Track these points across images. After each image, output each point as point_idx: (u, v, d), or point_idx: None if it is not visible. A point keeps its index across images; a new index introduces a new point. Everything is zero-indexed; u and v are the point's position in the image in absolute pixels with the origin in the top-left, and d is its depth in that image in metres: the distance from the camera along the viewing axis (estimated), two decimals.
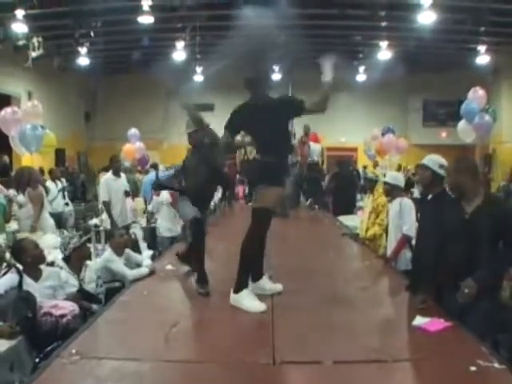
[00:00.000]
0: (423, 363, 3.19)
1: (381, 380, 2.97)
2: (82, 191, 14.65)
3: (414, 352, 3.43)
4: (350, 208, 10.12)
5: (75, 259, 5.20)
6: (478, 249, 3.69)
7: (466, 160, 4.05)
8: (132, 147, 13.19)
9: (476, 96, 11.57)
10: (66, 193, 11.86)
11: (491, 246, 3.64)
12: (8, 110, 11.08)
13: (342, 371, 3.06)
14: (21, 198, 7.83)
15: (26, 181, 7.99)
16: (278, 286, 4.53)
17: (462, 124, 11.85)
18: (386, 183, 6.12)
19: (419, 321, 3.72)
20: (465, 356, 3.17)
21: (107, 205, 8.05)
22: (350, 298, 3.96)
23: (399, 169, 15.50)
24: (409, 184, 9.44)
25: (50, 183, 11.24)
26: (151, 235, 9.03)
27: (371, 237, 6.72)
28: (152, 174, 11.59)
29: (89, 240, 6.47)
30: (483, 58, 15.64)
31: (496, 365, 3.01)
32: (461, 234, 3.86)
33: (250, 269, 4.30)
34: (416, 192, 10.00)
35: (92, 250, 7.44)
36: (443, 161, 4.49)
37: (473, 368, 2.98)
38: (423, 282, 4.13)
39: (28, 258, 4.71)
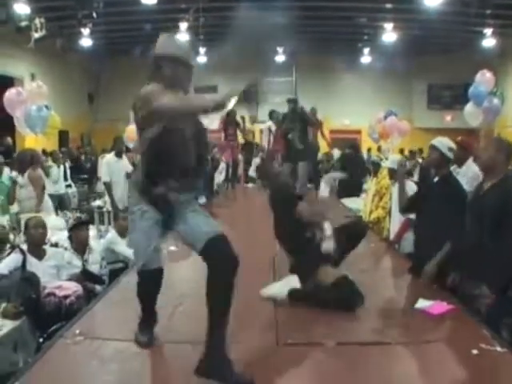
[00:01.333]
0: (426, 346, 3.20)
1: (383, 362, 2.97)
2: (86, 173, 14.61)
3: (417, 335, 3.43)
4: (357, 191, 10.07)
5: (74, 240, 5.20)
6: (486, 226, 3.71)
7: (506, 141, 4.07)
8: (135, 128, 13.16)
9: (484, 79, 11.47)
10: (68, 174, 11.87)
11: (499, 225, 3.64)
12: (13, 90, 11.02)
13: (345, 353, 3.07)
14: (21, 179, 7.82)
15: (28, 163, 7.97)
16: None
17: (469, 107, 11.75)
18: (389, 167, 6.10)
19: (422, 304, 3.72)
20: (467, 339, 3.17)
21: (108, 185, 8.06)
22: (354, 280, 3.95)
23: (401, 152, 15.45)
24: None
25: (51, 165, 11.23)
26: None
27: (375, 220, 6.70)
28: None
29: (91, 222, 6.47)
30: (489, 41, 15.49)
31: (498, 348, 3.02)
32: (472, 211, 3.93)
33: None
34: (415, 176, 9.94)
35: (96, 231, 7.47)
36: (452, 144, 4.49)
37: (475, 351, 2.99)
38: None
39: (27, 236, 4.76)
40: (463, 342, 3.18)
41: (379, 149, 15.57)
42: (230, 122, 10.84)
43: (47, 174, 9.52)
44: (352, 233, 4.12)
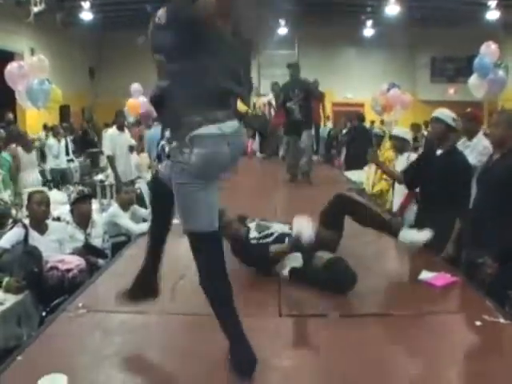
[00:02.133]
0: (429, 317, 3.20)
1: (386, 334, 2.98)
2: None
3: (420, 306, 3.43)
4: (362, 162, 10.02)
5: (76, 214, 5.19)
6: (494, 197, 3.72)
7: None
8: (136, 102, 13.05)
9: (489, 51, 11.34)
10: (70, 149, 11.84)
11: (507, 196, 3.64)
12: (14, 64, 10.94)
13: (348, 324, 3.07)
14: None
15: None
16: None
17: (473, 79, 11.63)
18: (394, 137, 6.06)
19: (425, 275, 3.71)
20: (470, 311, 3.18)
21: (111, 159, 8.06)
22: (356, 253, 3.95)
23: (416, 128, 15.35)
24: None
25: (52, 140, 11.20)
26: None
27: (378, 192, 6.70)
28: (155, 129, 11.46)
29: (93, 195, 6.46)
30: (493, 14, 15.31)
31: (502, 320, 3.02)
32: (481, 183, 3.95)
33: None
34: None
35: (98, 205, 7.46)
36: (454, 114, 4.44)
37: (478, 323, 2.98)
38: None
39: (29, 211, 4.76)
40: (466, 313, 3.19)
41: (382, 122, 15.47)
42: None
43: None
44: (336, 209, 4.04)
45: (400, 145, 6.00)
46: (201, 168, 2.32)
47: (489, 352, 2.74)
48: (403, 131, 6.11)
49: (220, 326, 2.47)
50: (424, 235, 3.72)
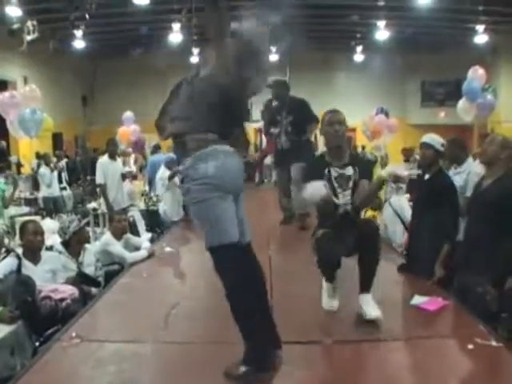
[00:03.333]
0: (422, 342, 3.23)
1: (380, 358, 2.99)
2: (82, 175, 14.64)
3: (413, 331, 3.46)
4: None
5: (75, 243, 5.19)
6: (486, 223, 3.74)
7: (508, 139, 4.06)
8: (127, 130, 13.10)
9: (476, 75, 11.49)
10: (63, 177, 11.85)
11: (499, 222, 3.66)
12: (6, 94, 10.99)
13: (342, 350, 3.08)
14: None
15: None
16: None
17: (461, 103, 11.77)
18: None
19: (418, 300, 3.74)
20: (463, 334, 3.20)
21: (103, 188, 8.05)
22: (348, 278, 3.96)
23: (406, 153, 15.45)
24: None
25: (44, 168, 11.21)
26: (150, 218, 9.01)
27: (370, 218, 6.73)
28: (158, 156, 11.52)
29: (87, 223, 6.46)
30: (482, 38, 15.53)
31: (493, 343, 3.05)
32: (473, 208, 3.98)
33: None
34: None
35: (91, 233, 7.46)
36: (442, 139, 4.51)
37: (470, 346, 3.01)
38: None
39: (24, 242, 4.73)
40: (459, 337, 3.22)
41: (363, 148, 15.61)
42: None
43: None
44: None
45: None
46: (219, 177, 2.58)
47: (481, 375, 2.77)
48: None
49: (242, 337, 2.58)
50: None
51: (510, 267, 3.69)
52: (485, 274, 3.61)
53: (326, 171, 3.67)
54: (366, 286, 3.62)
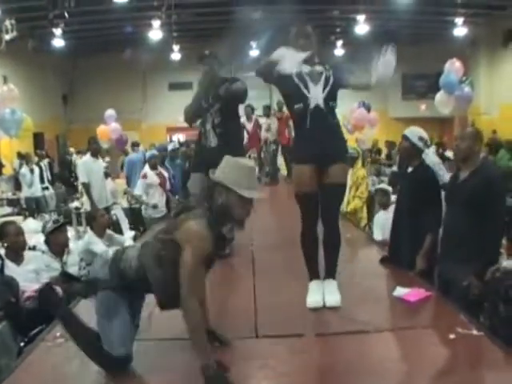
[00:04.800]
0: (404, 333, 3.26)
1: (363, 350, 3.01)
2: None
3: (395, 322, 3.50)
4: None
5: (53, 243, 5.16)
6: (466, 214, 3.77)
7: (480, 130, 4.13)
8: (106, 128, 13.00)
9: (453, 67, 11.58)
10: (45, 177, 11.77)
11: (479, 213, 3.70)
12: None
13: (325, 343, 3.11)
14: None
15: None
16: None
17: (439, 96, 11.86)
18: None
19: (400, 291, 3.78)
20: (444, 325, 3.23)
21: (87, 186, 8.03)
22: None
23: (375, 145, 15.59)
24: None
25: (24, 168, 11.13)
26: (133, 216, 8.99)
27: (352, 210, 6.80)
28: (136, 154, 11.47)
29: (69, 223, 6.44)
30: (460, 30, 15.66)
31: (474, 332, 3.09)
32: (451, 200, 4.01)
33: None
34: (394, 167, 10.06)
35: (74, 232, 7.43)
36: (424, 134, 4.53)
37: (452, 336, 3.05)
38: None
39: (8, 244, 4.70)
40: (441, 327, 3.24)
41: (357, 140, 15.65)
42: None
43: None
44: None
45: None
46: None
47: (463, 363, 2.81)
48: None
49: None
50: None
51: (491, 257, 3.75)
52: (466, 265, 3.65)
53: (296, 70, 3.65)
54: (329, 270, 3.72)
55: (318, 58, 3.74)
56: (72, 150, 16.97)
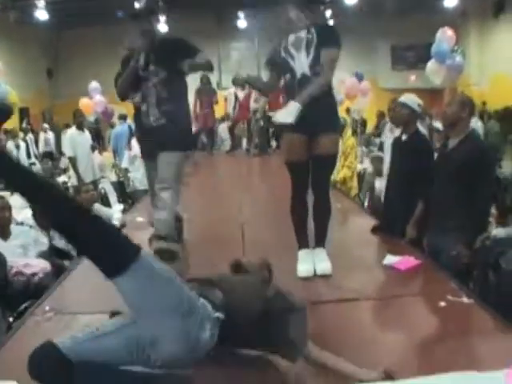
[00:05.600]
0: (394, 301, 3.27)
1: (353, 318, 3.02)
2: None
3: (386, 290, 3.51)
4: None
5: (40, 217, 5.09)
6: (455, 183, 3.76)
7: (469, 97, 4.08)
8: (89, 102, 12.79)
9: (445, 36, 11.47)
10: (32, 152, 11.67)
11: (468, 182, 3.68)
12: None
13: (315, 311, 3.10)
14: None
15: None
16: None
17: (431, 65, 11.77)
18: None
19: (390, 260, 3.78)
20: (435, 292, 3.24)
21: (73, 161, 7.93)
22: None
23: (380, 116, 15.50)
24: None
25: (10, 143, 11.01)
26: (122, 189, 8.94)
27: (341, 180, 6.80)
28: (122, 127, 11.35)
29: None
30: (451, 1, 15.56)
31: (465, 299, 3.10)
32: (440, 169, 3.99)
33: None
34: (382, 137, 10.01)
35: None
36: (420, 100, 4.53)
37: (442, 303, 3.06)
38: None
39: None
40: (431, 295, 3.25)
41: (347, 111, 15.57)
42: (204, 90, 10.73)
43: None
44: None
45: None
46: None
47: (453, 330, 2.80)
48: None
49: None
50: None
51: (480, 226, 3.75)
52: (455, 234, 3.65)
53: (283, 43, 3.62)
54: (319, 239, 3.72)
55: (303, 22, 3.62)
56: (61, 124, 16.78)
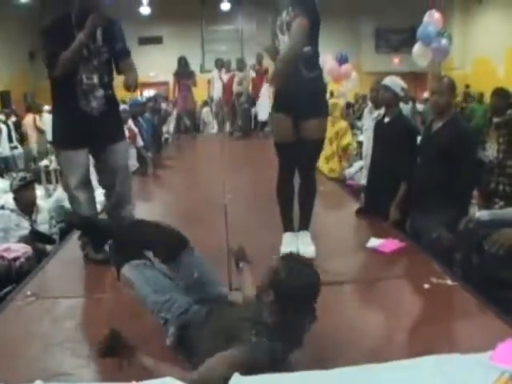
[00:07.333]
0: (378, 283, 3.28)
1: (337, 301, 3.01)
2: None
3: (369, 273, 3.51)
4: None
5: (21, 201, 5.01)
6: (438, 165, 3.76)
7: (453, 80, 4.01)
8: None
9: (432, 19, 11.45)
10: (13, 136, 11.53)
11: (451, 164, 3.68)
12: None
13: None
14: None
15: None
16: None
17: (417, 47, 11.74)
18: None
19: (374, 242, 3.78)
20: (419, 275, 3.26)
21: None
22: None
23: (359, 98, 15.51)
24: None
25: None
26: None
27: (345, 146, 6.76)
28: None
29: (37, 181, 6.29)
30: None
31: (449, 282, 3.11)
32: (424, 151, 4.01)
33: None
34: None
35: (43, 191, 7.29)
36: (403, 84, 4.52)
37: (426, 286, 3.07)
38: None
39: None
40: (415, 277, 3.27)
41: (332, 94, 15.55)
42: (182, 72, 10.67)
43: None
44: None
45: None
46: None
47: (437, 312, 2.81)
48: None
49: None
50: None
51: (461, 209, 3.75)
52: (436, 216, 3.66)
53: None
54: (303, 222, 3.74)
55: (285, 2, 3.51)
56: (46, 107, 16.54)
